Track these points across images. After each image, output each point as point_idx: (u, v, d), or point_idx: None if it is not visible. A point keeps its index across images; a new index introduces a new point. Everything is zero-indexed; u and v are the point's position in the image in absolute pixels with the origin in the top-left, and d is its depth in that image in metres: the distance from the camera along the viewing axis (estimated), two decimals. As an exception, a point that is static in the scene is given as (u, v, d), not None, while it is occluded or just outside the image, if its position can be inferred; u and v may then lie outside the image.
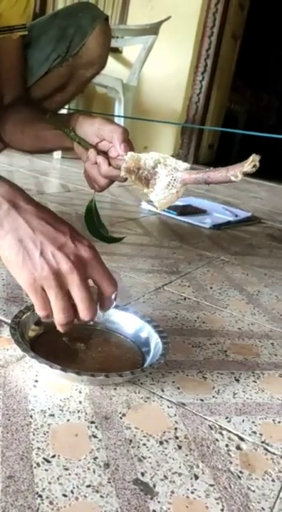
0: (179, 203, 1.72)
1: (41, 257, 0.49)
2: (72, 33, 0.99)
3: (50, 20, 1.04)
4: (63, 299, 0.50)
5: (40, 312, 0.51)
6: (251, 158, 0.50)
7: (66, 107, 1.24)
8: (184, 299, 0.88)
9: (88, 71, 1.05)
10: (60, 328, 0.52)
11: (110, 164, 0.68)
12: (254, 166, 0.50)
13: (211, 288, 0.96)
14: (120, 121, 2.50)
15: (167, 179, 0.58)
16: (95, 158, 0.70)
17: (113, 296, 0.54)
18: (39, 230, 0.50)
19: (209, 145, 3.60)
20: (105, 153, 0.71)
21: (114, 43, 2.91)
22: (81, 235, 0.53)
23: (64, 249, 0.49)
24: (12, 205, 0.50)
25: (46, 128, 0.82)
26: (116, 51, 3.14)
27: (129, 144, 0.66)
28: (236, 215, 1.69)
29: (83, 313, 0.51)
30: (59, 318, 0.51)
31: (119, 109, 2.63)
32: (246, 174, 0.51)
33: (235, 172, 0.51)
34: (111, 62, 3.12)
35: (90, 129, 0.71)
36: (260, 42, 5.05)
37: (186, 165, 0.58)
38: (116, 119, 2.48)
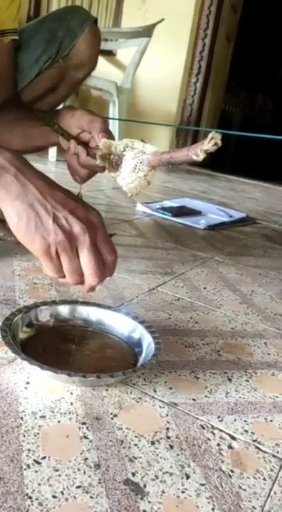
0: (174, 204, 1.72)
1: (55, 223, 0.48)
2: (62, 35, 1.00)
3: (40, 23, 1.05)
4: (76, 260, 0.50)
5: (54, 275, 0.51)
6: (210, 135, 0.50)
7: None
8: (178, 299, 0.88)
9: (79, 72, 1.06)
10: (69, 284, 0.53)
11: (88, 154, 0.68)
12: (215, 144, 0.50)
13: (205, 288, 0.96)
14: (115, 123, 2.51)
15: (133, 162, 0.58)
16: (74, 148, 0.70)
17: (112, 266, 0.54)
18: (50, 195, 0.49)
19: (204, 146, 3.60)
20: (85, 144, 0.71)
21: (108, 46, 2.92)
22: (88, 205, 0.53)
23: (76, 213, 0.49)
24: (19, 169, 0.49)
25: (34, 126, 0.83)
26: (110, 54, 3.15)
27: (108, 134, 0.66)
28: (231, 216, 1.69)
29: (90, 278, 0.51)
30: (69, 280, 0.51)
31: (113, 112, 2.64)
32: (208, 153, 0.51)
33: (196, 151, 0.51)
34: (105, 65, 3.14)
35: (71, 120, 0.71)
36: (254, 43, 5.07)
37: (153, 148, 0.58)
38: (111, 122, 2.49)
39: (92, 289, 0.53)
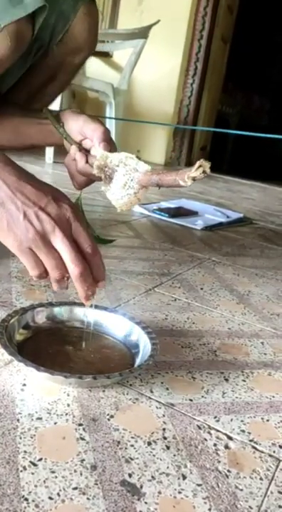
0: (171, 205, 1.72)
1: (25, 219, 0.49)
2: (54, 20, 0.95)
3: None
4: (53, 256, 0.50)
5: (32, 272, 0.52)
6: (198, 163, 0.50)
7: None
8: (175, 300, 0.88)
9: (76, 57, 1.01)
10: (54, 286, 0.53)
11: (87, 161, 0.68)
12: (203, 172, 0.50)
13: (201, 289, 0.96)
14: (112, 124, 2.51)
15: (124, 178, 0.58)
16: (74, 154, 0.70)
17: (94, 255, 0.53)
18: (20, 191, 0.50)
19: (201, 147, 3.61)
20: (87, 151, 0.71)
21: (104, 48, 2.92)
22: (63, 193, 0.53)
23: (46, 209, 0.50)
24: None
25: (29, 122, 0.81)
26: (106, 55, 3.15)
27: (109, 143, 0.66)
28: (228, 216, 1.69)
29: (70, 268, 0.51)
30: (53, 275, 0.52)
31: (110, 113, 2.64)
32: (203, 177, 0.51)
33: (183, 177, 0.52)
34: (101, 66, 3.15)
35: (74, 125, 0.71)
36: (250, 44, 5.08)
37: (146, 166, 0.58)
38: (107, 122, 2.49)
39: (87, 297, 0.53)
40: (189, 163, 3.35)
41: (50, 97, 1.06)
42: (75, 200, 0.75)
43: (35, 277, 0.52)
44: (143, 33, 2.55)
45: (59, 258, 0.51)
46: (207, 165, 0.50)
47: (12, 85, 0.97)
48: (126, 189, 0.58)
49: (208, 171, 0.50)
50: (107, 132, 0.67)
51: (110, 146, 0.66)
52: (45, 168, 2.23)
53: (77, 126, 0.70)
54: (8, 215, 0.49)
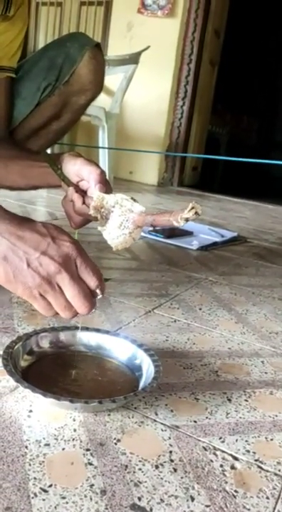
0: (166, 226, 1.74)
1: (29, 268, 0.51)
2: (62, 61, 1.01)
3: (41, 52, 1.08)
4: (62, 298, 0.52)
5: (47, 314, 0.54)
6: (190, 205, 0.53)
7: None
8: (174, 321, 0.89)
9: (81, 98, 1.07)
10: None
11: (84, 203, 0.70)
12: (196, 213, 0.53)
13: (200, 309, 0.97)
14: (105, 150, 2.55)
15: (120, 219, 0.60)
16: (71, 196, 0.72)
17: (98, 290, 0.55)
18: (19, 241, 0.51)
19: (193, 167, 3.66)
20: (83, 192, 0.73)
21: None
22: (61, 230, 0.55)
23: (48, 252, 0.51)
24: None
25: (32, 165, 0.84)
26: (98, 80, 3.21)
27: (105, 185, 0.68)
28: (222, 236, 1.71)
29: (80, 310, 0.53)
30: (64, 316, 0.54)
31: (103, 137, 2.68)
32: (194, 218, 0.54)
33: (176, 217, 0.55)
34: (93, 91, 3.19)
35: (72, 168, 0.73)
36: (238, 66, 5.20)
37: (141, 207, 0.60)
38: (101, 149, 2.53)
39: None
40: (182, 184, 3.39)
41: (55, 134, 1.10)
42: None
43: (49, 316, 0.55)
44: (134, 58, 2.61)
45: (66, 299, 0.53)
46: (199, 207, 0.54)
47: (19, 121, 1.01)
48: (121, 229, 0.60)
49: (200, 212, 0.53)
50: (103, 174, 0.69)
51: (106, 187, 0.68)
52: (40, 192, 2.26)
53: (75, 168, 0.72)
54: (13, 267, 0.51)
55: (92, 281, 0.54)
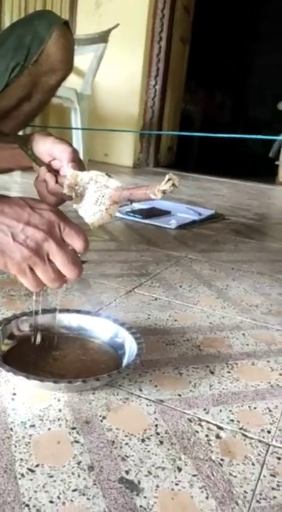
0: (144, 206, 1.74)
1: (15, 242, 0.50)
2: (30, 40, 0.98)
3: (8, 31, 1.04)
4: (50, 270, 0.51)
5: (36, 289, 0.52)
6: (167, 177, 0.53)
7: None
8: (155, 299, 0.90)
9: (51, 78, 1.04)
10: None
11: (57, 182, 0.69)
12: (173, 184, 0.53)
13: (180, 286, 0.98)
14: (78, 131, 2.51)
15: (96, 195, 0.60)
16: (44, 175, 0.71)
17: (82, 249, 0.54)
18: (0, 215, 0.50)
19: (169, 147, 3.65)
20: (56, 172, 0.72)
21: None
22: (37, 200, 0.54)
23: (31, 222, 0.50)
24: None
25: (2, 148, 0.82)
26: (68, 61, 3.14)
27: (77, 163, 0.67)
28: (200, 214, 1.72)
29: (70, 275, 0.52)
30: (53, 286, 0.53)
31: (75, 119, 2.64)
32: (172, 189, 0.53)
33: (153, 190, 0.54)
34: (64, 72, 3.13)
35: (43, 147, 0.71)
36: (209, 43, 5.16)
37: (117, 183, 0.59)
38: (74, 130, 2.49)
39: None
40: (157, 164, 3.38)
41: (27, 116, 1.07)
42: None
43: (37, 291, 0.53)
44: (103, 37, 2.56)
45: (57, 271, 0.52)
46: (176, 178, 0.53)
47: None
48: (98, 205, 0.59)
49: (177, 183, 0.53)
50: (75, 152, 0.68)
51: (79, 166, 0.67)
52: (14, 178, 2.22)
53: (46, 147, 0.71)
54: None
55: (78, 242, 0.53)
